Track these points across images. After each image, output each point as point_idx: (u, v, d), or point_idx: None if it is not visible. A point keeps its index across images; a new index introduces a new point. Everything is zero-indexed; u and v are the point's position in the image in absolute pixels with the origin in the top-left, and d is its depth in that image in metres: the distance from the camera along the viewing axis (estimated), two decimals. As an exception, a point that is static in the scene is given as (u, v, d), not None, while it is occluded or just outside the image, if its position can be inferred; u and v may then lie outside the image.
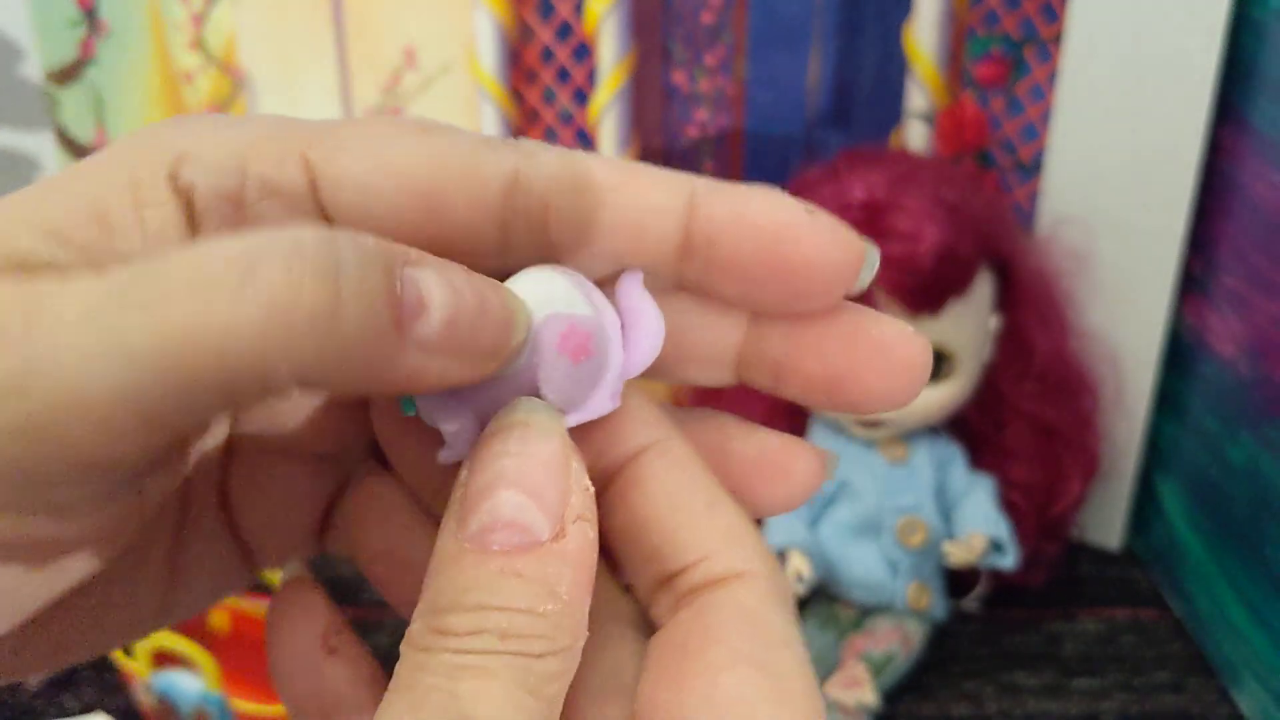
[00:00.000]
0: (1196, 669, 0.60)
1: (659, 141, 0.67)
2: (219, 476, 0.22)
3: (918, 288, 0.53)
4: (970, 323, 0.56)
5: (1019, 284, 0.58)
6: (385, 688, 0.17)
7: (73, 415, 0.14)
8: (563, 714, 0.17)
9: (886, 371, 0.19)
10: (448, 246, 0.18)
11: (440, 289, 0.16)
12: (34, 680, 0.58)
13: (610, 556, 0.19)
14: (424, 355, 0.16)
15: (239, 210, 0.18)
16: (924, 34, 0.63)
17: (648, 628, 0.19)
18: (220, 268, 0.14)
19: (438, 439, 0.19)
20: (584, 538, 0.17)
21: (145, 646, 0.50)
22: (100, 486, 0.15)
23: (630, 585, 0.19)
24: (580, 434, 0.18)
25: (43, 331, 0.14)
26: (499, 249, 0.18)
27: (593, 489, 0.17)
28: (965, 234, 0.54)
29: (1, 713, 0.56)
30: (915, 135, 0.66)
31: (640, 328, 0.19)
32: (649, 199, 0.18)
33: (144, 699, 0.52)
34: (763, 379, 0.20)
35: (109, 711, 0.55)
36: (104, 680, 0.58)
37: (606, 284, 0.19)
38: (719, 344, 0.20)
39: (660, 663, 0.17)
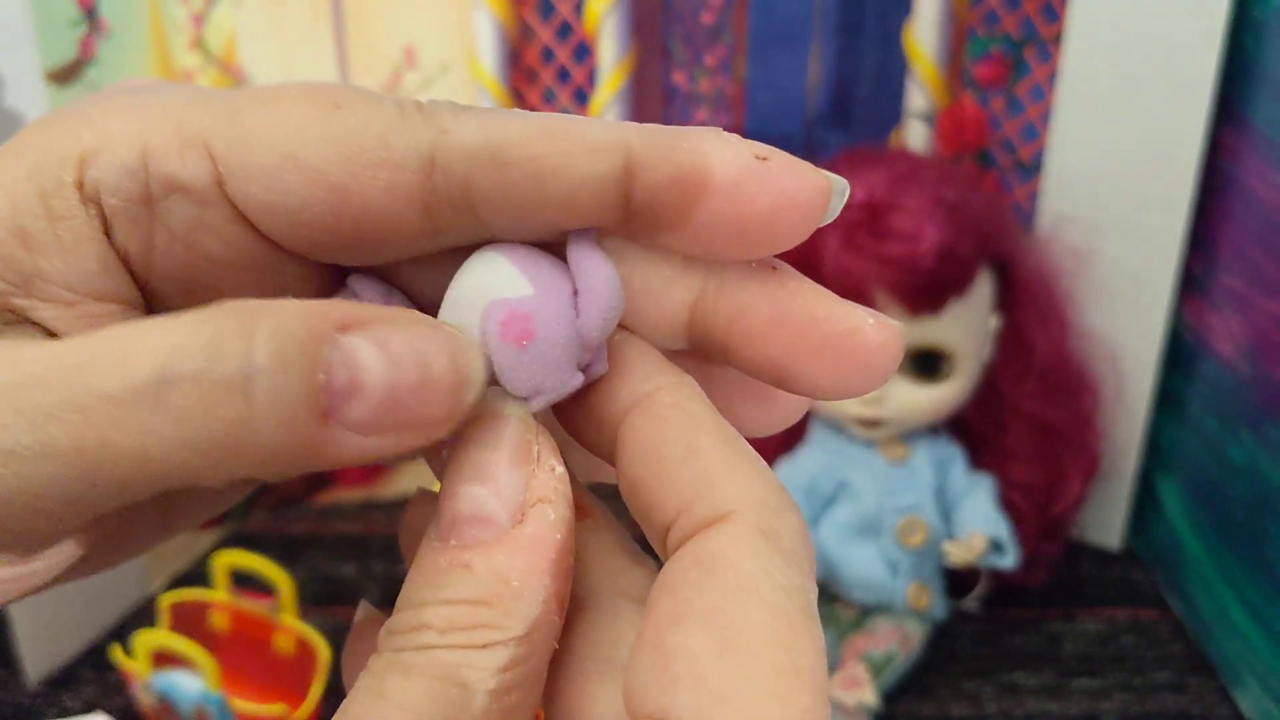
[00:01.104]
0: (1197, 669, 0.60)
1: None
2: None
3: (918, 287, 0.53)
4: (970, 322, 0.56)
5: (1019, 284, 0.58)
6: None
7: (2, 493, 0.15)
8: (560, 691, 0.17)
9: (837, 364, 0.18)
10: (371, 235, 0.17)
11: (376, 361, 0.15)
12: (34, 677, 0.58)
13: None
14: (360, 437, 0.15)
15: (148, 209, 0.17)
16: (924, 34, 0.63)
17: None
18: (139, 382, 0.14)
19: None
20: (543, 521, 0.16)
21: (145, 646, 0.50)
22: (54, 528, 0.16)
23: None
24: (577, 403, 0.18)
25: None
26: (427, 232, 0.18)
27: (562, 469, 0.17)
28: (965, 234, 0.54)
29: (1, 712, 0.56)
30: (915, 135, 0.66)
31: (591, 292, 0.18)
32: (578, 169, 0.17)
33: (144, 699, 0.52)
34: (715, 356, 0.19)
35: (109, 711, 0.55)
36: (104, 680, 0.58)
37: (558, 244, 0.18)
38: (669, 316, 0.19)
39: (640, 628, 0.17)
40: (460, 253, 0.19)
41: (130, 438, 0.14)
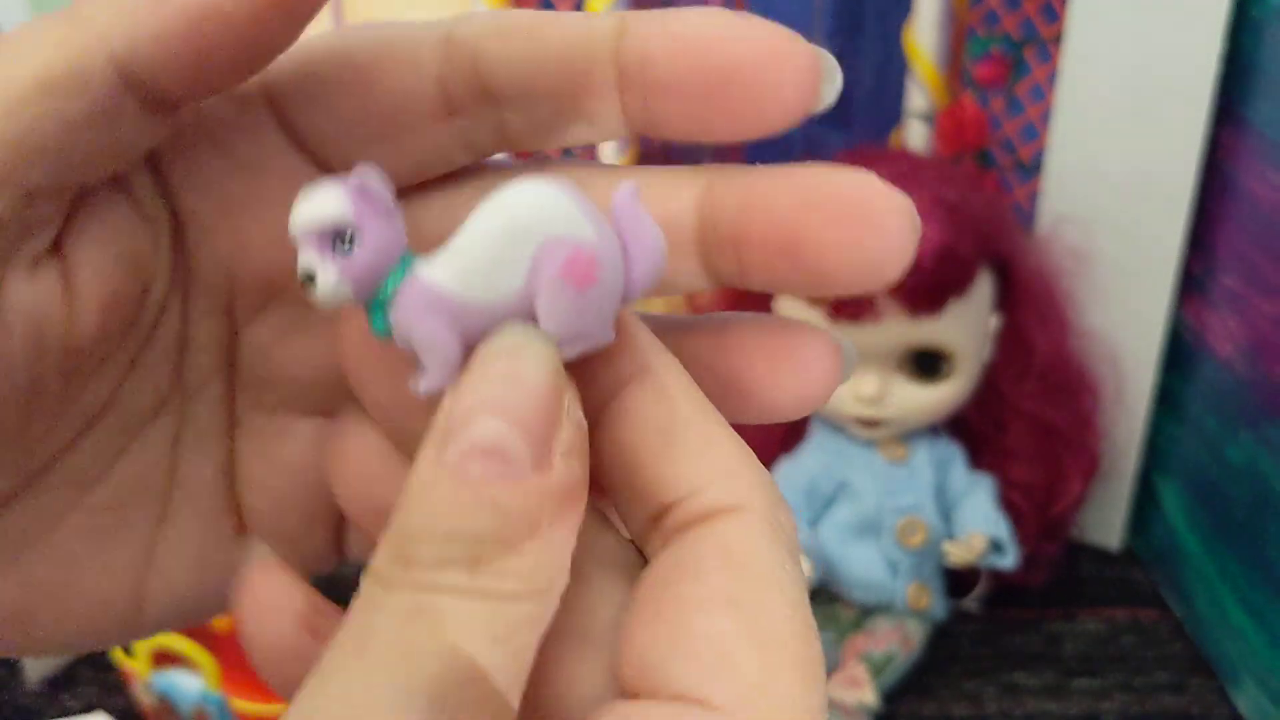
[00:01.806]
0: (1197, 669, 0.60)
1: (659, 142, 0.67)
2: (216, 451, 0.21)
3: (918, 287, 0.53)
4: (970, 322, 0.56)
5: (1019, 284, 0.58)
6: None
7: None
8: (537, 664, 0.15)
9: (853, 225, 0.17)
10: (391, 116, 0.18)
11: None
12: (34, 677, 0.58)
13: (599, 495, 0.17)
14: None
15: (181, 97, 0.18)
16: (924, 34, 0.63)
17: (633, 570, 0.18)
18: None
19: (410, 368, 0.17)
20: (571, 474, 0.15)
21: (145, 646, 0.50)
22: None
23: (622, 526, 0.18)
24: (570, 364, 0.17)
25: None
26: (443, 110, 0.18)
27: (585, 425, 0.16)
28: (965, 234, 0.54)
29: (1, 712, 0.56)
30: (915, 135, 0.66)
31: (640, 248, 0.17)
32: (575, 29, 0.17)
33: (144, 699, 0.52)
34: (725, 263, 0.18)
35: (109, 711, 0.55)
36: (104, 680, 0.58)
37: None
38: (675, 218, 0.18)
39: (639, 604, 0.16)
40: (461, 185, 0.19)
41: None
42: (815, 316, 0.55)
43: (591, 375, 0.17)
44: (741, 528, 0.16)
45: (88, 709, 0.56)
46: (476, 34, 0.17)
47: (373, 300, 0.17)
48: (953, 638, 0.62)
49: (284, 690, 0.19)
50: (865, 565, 0.58)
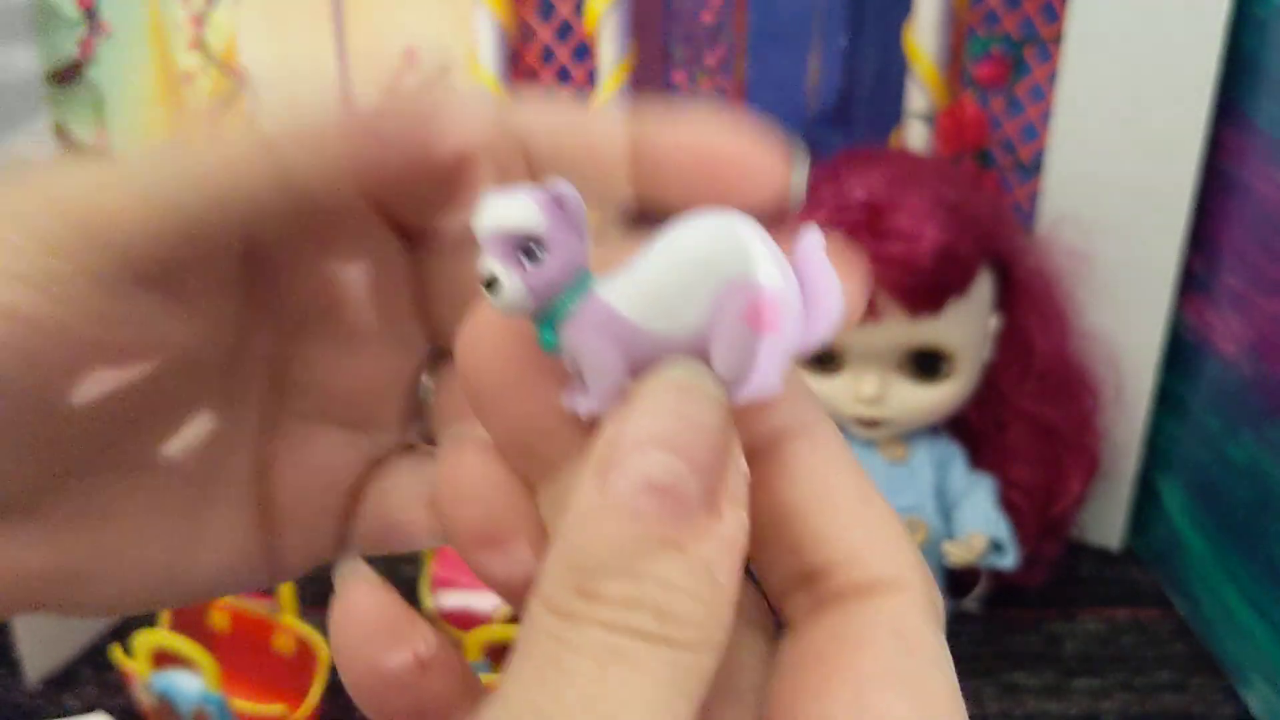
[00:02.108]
0: (1198, 669, 0.60)
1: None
2: (255, 448, 0.22)
3: (918, 287, 0.53)
4: (970, 322, 0.56)
5: (1019, 284, 0.58)
6: (481, 695, 0.16)
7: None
8: None
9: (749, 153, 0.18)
10: (452, 184, 0.19)
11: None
12: (34, 677, 0.58)
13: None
14: None
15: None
16: (924, 34, 0.63)
17: (767, 625, 0.17)
18: None
19: (553, 386, 0.17)
20: (740, 524, 0.15)
21: (145, 646, 0.50)
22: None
23: (757, 578, 0.17)
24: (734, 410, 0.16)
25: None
26: (496, 180, 0.20)
27: (749, 475, 0.16)
28: (965, 234, 0.54)
29: (1, 712, 0.56)
30: (915, 135, 0.66)
31: (820, 300, 0.16)
32: (601, 131, 0.19)
33: (144, 699, 0.52)
34: (655, 186, 0.19)
35: (109, 711, 0.55)
36: (104, 680, 0.58)
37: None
38: (612, 153, 0.19)
39: (800, 668, 0.16)
40: None
41: None
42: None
43: (751, 423, 0.17)
44: (909, 606, 0.16)
45: (88, 709, 0.56)
46: (529, 127, 0.19)
47: (547, 313, 0.16)
48: (953, 638, 0.61)
49: (372, 705, 0.19)
50: (865, 565, 0.58)
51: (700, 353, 0.16)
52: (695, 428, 0.15)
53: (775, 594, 0.17)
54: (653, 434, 0.15)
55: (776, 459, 0.17)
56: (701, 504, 0.15)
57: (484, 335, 0.18)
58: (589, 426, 0.16)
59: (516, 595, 0.18)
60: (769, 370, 0.16)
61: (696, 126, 0.19)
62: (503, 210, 0.16)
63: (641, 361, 0.16)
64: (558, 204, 0.16)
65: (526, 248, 0.16)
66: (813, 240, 0.17)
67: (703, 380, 0.16)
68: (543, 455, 0.17)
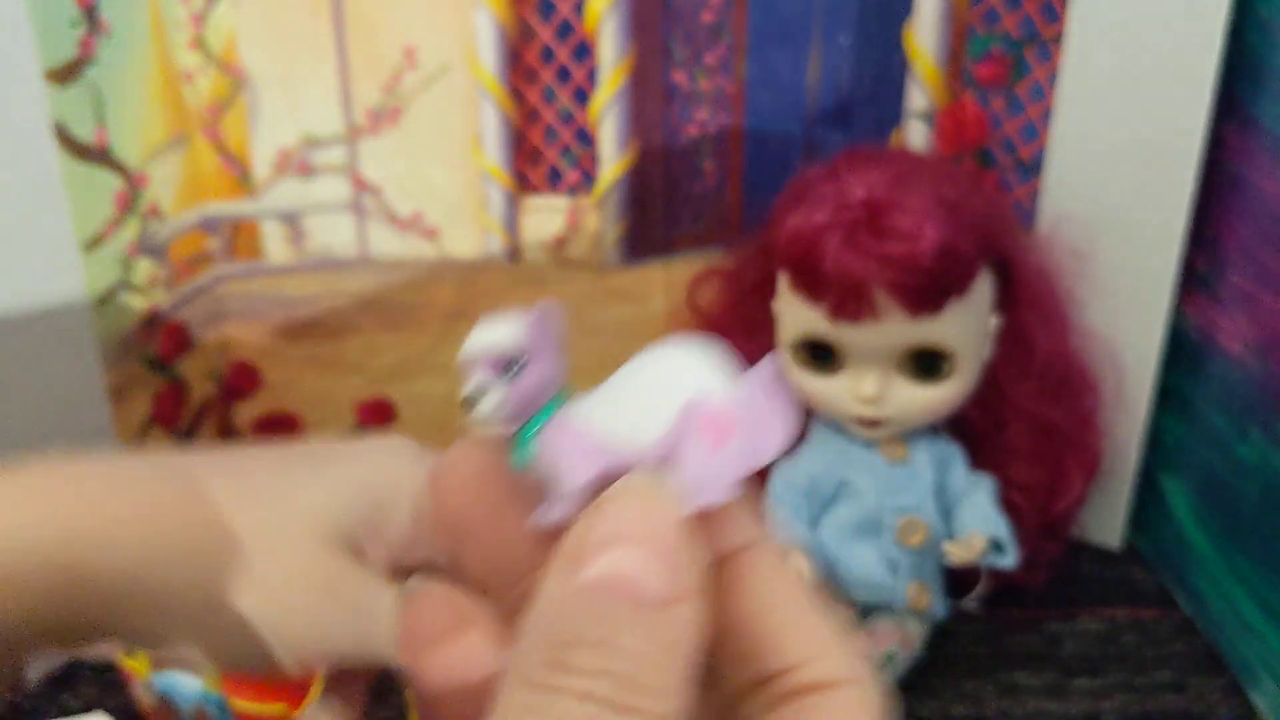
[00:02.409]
0: (1199, 669, 0.60)
1: (659, 141, 0.67)
2: None
3: (918, 287, 0.53)
4: (970, 322, 0.56)
5: (1019, 283, 0.58)
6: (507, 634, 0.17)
7: None
8: None
9: None
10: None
11: None
12: (34, 676, 0.58)
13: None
14: None
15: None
16: (924, 33, 0.63)
17: None
18: None
19: (510, 515, 0.19)
20: (698, 609, 0.16)
21: (145, 646, 0.50)
22: None
23: (712, 678, 0.19)
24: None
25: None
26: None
27: (708, 570, 0.17)
28: (966, 233, 0.53)
29: (0, 711, 0.56)
30: (915, 135, 0.66)
31: (772, 420, 0.18)
32: None
33: (144, 698, 0.52)
34: None
35: (109, 710, 0.55)
36: (104, 679, 0.58)
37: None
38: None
39: None
40: None
41: None
42: (816, 317, 0.55)
43: (708, 538, 0.18)
44: (858, 699, 0.18)
45: (87, 708, 0.56)
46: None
47: (524, 428, 0.18)
48: (953, 638, 0.62)
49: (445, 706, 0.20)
50: (865, 565, 0.58)
51: (663, 464, 0.18)
52: (657, 526, 0.17)
53: (732, 695, 0.18)
54: (619, 532, 0.17)
55: (731, 572, 0.18)
56: (664, 591, 0.16)
57: (458, 468, 0.20)
58: (554, 538, 0.17)
59: (457, 698, 0.19)
60: (723, 480, 0.18)
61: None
62: (490, 331, 0.18)
63: (609, 471, 0.18)
64: (540, 325, 0.18)
65: (508, 365, 0.18)
66: (766, 369, 0.18)
67: (664, 486, 0.17)
68: (509, 572, 0.18)
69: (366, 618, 0.27)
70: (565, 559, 0.17)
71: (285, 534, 0.27)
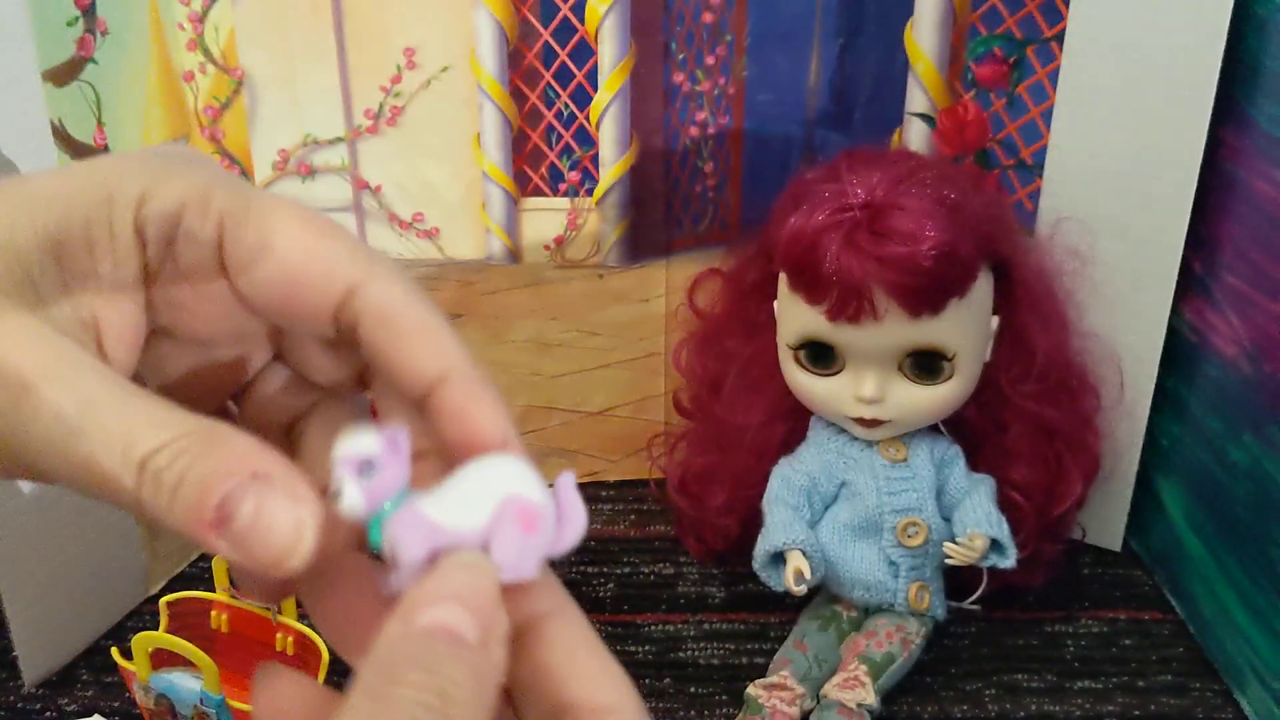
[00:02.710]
0: (1199, 671, 0.60)
1: (659, 141, 0.67)
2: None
3: (918, 288, 0.53)
4: (970, 323, 0.56)
5: (1019, 284, 0.58)
6: None
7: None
8: None
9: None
10: (289, 316, 0.25)
11: (247, 510, 0.22)
12: (30, 681, 0.58)
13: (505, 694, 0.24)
14: (227, 548, 0.22)
15: (169, 245, 0.25)
16: (925, 34, 0.63)
17: None
18: (125, 466, 0.22)
19: (365, 590, 0.25)
20: (501, 656, 0.22)
21: (144, 647, 0.50)
22: None
23: (520, 714, 0.24)
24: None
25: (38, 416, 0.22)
26: (324, 325, 0.25)
27: (509, 624, 0.23)
28: (966, 234, 0.53)
29: None
30: (916, 135, 0.66)
31: (570, 518, 0.24)
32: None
33: (143, 699, 0.51)
34: (352, 339, 0.25)
35: (107, 713, 0.55)
36: (102, 681, 0.58)
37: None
38: (324, 294, 0.25)
39: None
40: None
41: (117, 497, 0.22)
42: (815, 317, 0.55)
43: (519, 606, 0.24)
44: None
45: (85, 712, 0.56)
46: (373, 320, 0.25)
47: (376, 515, 0.23)
48: (953, 638, 0.62)
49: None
50: (865, 565, 0.58)
51: (483, 546, 0.23)
52: (475, 591, 0.22)
53: None
54: (444, 593, 0.22)
55: (538, 632, 0.24)
56: (479, 640, 0.21)
57: (276, 697, 0.25)
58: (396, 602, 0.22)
59: None
60: (529, 560, 0.24)
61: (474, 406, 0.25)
62: (354, 442, 0.23)
63: (440, 551, 0.23)
64: (391, 440, 0.23)
65: (364, 468, 0.23)
66: (567, 477, 0.24)
67: (482, 560, 0.23)
68: (363, 636, 0.23)
69: (40, 402, 0.22)
70: (403, 610, 0.22)
71: None
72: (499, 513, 0.23)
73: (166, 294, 0.26)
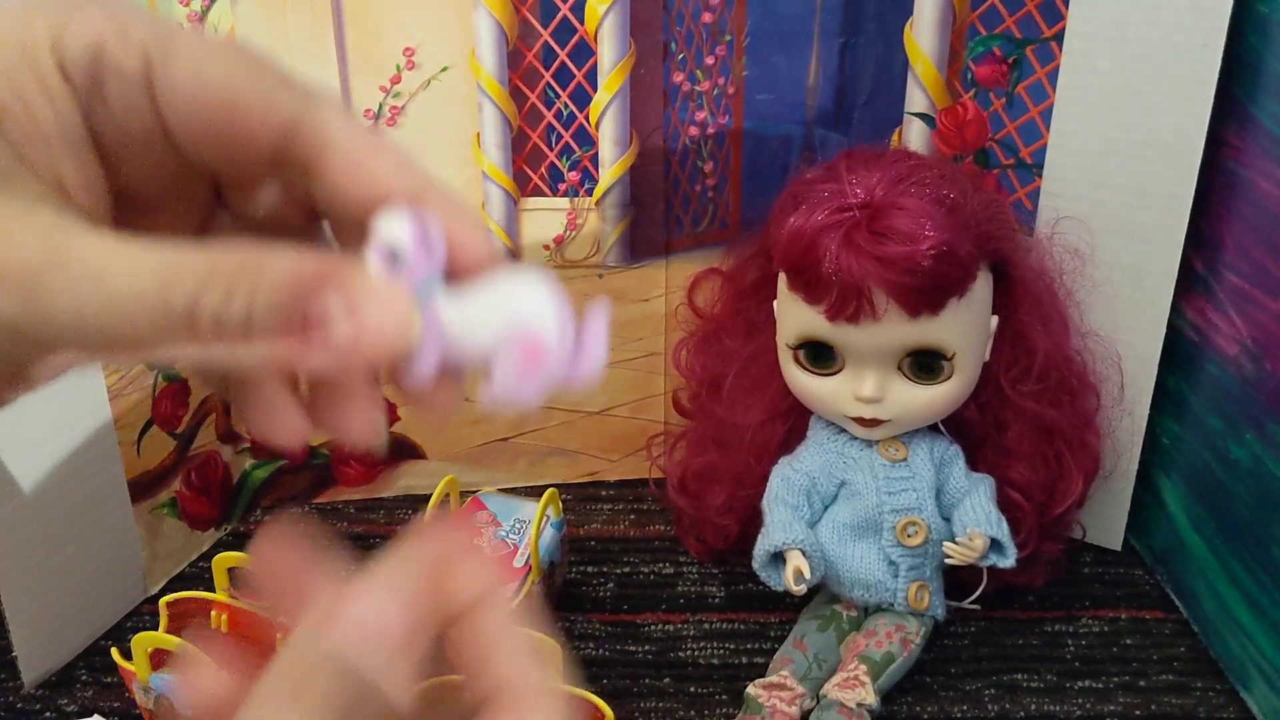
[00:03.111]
0: (1200, 670, 0.60)
1: (658, 141, 0.67)
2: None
3: (917, 288, 0.53)
4: (970, 322, 0.56)
5: (1019, 283, 0.58)
6: None
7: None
8: None
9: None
10: (230, 151, 0.24)
11: (342, 319, 0.22)
12: (29, 682, 0.58)
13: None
14: (326, 359, 0.22)
15: (98, 86, 0.23)
16: (924, 34, 0.63)
17: None
18: (176, 309, 0.21)
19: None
20: (414, 666, 0.23)
21: (143, 647, 0.50)
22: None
23: (452, 698, 0.25)
24: (436, 590, 0.23)
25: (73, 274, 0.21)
26: (267, 160, 0.24)
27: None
28: (965, 234, 0.53)
29: None
30: (915, 135, 0.66)
31: (588, 355, 0.23)
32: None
33: (142, 699, 0.51)
34: (293, 169, 0.25)
35: (107, 713, 0.55)
36: (101, 681, 0.58)
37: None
38: (266, 121, 0.24)
39: None
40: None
41: (132, 329, 0.21)
42: (815, 317, 0.55)
43: (454, 593, 0.24)
44: (541, 703, 0.24)
45: (85, 712, 0.56)
46: (318, 148, 0.24)
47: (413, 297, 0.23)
48: (952, 637, 0.62)
49: None
50: (865, 565, 0.58)
51: (484, 364, 0.23)
52: (384, 620, 0.22)
53: (471, 708, 0.24)
54: (354, 621, 0.22)
55: (469, 623, 0.24)
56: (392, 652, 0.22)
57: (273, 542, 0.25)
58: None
59: None
60: (528, 393, 0.23)
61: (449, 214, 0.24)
62: (382, 229, 0.23)
63: (446, 360, 0.23)
64: (422, 231, 0.23)
65: (394, 256, 0.23)
66: (603, 309, 0.23)
67: (398, 582, 0.23)
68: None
69: (57, 287, 0.21)
70: (312, 621, 0.22)
71: None
72: (505, 337, 0.23)
73: (110, 149, 0.24)
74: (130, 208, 0.25)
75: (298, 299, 0.21)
